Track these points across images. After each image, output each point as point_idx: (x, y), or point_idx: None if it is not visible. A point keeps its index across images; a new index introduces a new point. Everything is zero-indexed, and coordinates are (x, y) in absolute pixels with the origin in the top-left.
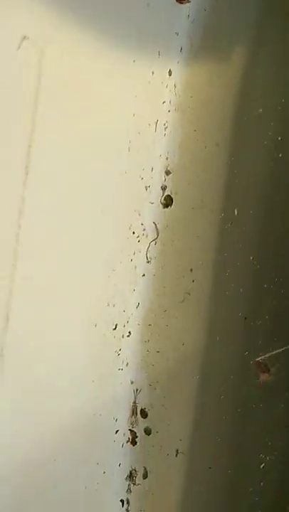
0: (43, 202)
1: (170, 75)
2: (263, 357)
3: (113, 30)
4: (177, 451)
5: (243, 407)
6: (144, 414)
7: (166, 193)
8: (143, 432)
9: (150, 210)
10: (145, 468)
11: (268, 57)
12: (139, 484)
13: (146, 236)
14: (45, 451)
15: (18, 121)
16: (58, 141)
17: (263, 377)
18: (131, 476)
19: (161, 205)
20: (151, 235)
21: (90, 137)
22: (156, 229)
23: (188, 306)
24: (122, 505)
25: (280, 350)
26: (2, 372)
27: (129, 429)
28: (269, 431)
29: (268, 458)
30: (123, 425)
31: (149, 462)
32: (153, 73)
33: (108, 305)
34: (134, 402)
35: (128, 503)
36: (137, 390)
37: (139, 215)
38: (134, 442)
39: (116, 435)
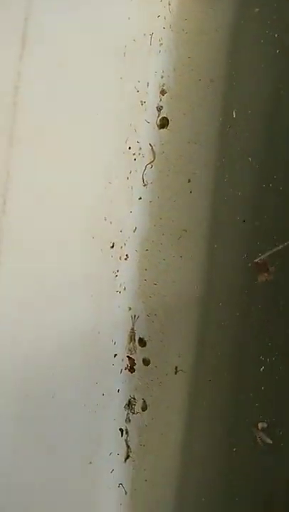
0: (39, 99)
1: None
2: (261, 257)
3: None
4: (176, 368)
5: (243, 312)
6: (142, 343)
7: (162, 115)
8: (141, 362)
9: (147, 130)
10: (144, 401)
11: None
12: (138, 413)
13: (143, 157)
14: (44, 363)
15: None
16: (55, 36)
17: (262, 277)
18: (130, 405)
19: (157, 127)
20: (148, 157)
21: (86, 34)
22: (153, 151)
23: (185, 244)
24: (122, 435)
25: (280, 247)
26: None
27: (128, 356)
28: (269, 332)
29: (268, 360)
30: (122, 351)
31: (148, 394)
32: None
33: (105, 219)
34: (132, 329)
35: (127, 433)
36: (135, 316)
37: (135, 131)
38: (132, 370)
39: (115, 359)
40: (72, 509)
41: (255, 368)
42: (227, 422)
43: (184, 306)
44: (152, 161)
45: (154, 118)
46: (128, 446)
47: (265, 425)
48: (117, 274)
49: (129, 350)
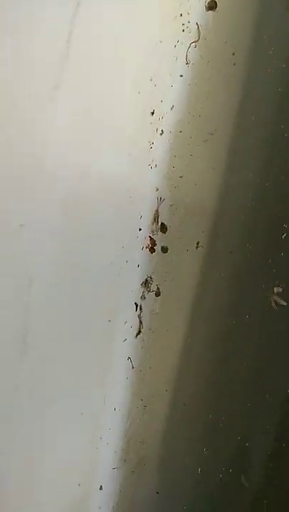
0: None
1: None
2: None
3: None
4: (198, 243)
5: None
6: (164, 228)
7: None
8: (160, 249)
9: (196, 7)
10: (158, 288)
11: None
12: (153, 291)
13: (190, 32)
14: (83, 205)
15: None
16: None
17: None
18: (146, 284)
19: (205, 8)
20: (194, 35)
21: None
22: (199, 31)
23: (210, 147)
24: (136, 309)
25: None
26: None
27: (150, 236)
28: None
29: None
30: (146, 228)
31: (162, 280)
32: None
33: (151, 80)
34: (157, 211)
35: (141, 309)
36: (160, 198)
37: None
38: (152, 250)
39: (139, 232)
40: (87, 364)
41: (277, 235)
42: (243, 290)
43: (200, 205)
44: (197, 41)
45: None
46: (141, 323)
47: (281, 289)
48: (152, 146)
49: (152, 231)
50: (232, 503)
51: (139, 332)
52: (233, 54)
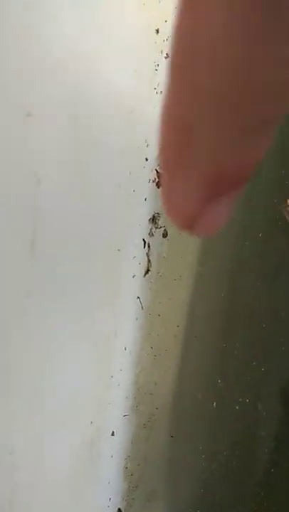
0: None
1: None
2: None
3: None
4: None
5: None
6: None
7: None
8: None
9: None
10: (165, 230)
11: None
12: (161, 227)
13: None
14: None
15: None
16: None
17: None
18: (154, 220)
19: None
20: None
21: None
22: None
23: None
24: (144, 246)
25: None
26: None
27: (156, 169)
28: None
29: None
30: (152, 159)
31: (168, 223)
32: None
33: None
34: None
35: (149, 247)
36: None
37: None
38: (158, 185)
39: (146, 162)
40: (97, 285)
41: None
42: (253, 212)
43: None
44: None
45: None
46: (149, 261)
47: None
48: (157, 68)
49: (158, 164)
50: (250, 434)
51: (147, 271)
52: None
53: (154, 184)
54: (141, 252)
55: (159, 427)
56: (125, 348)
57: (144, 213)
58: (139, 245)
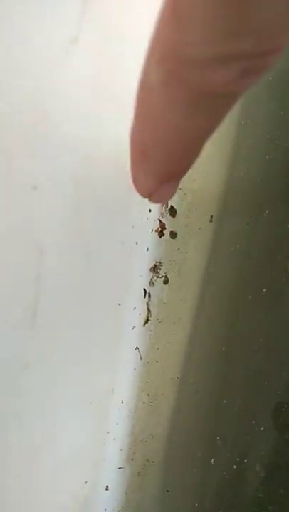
0: None
1: None
2: None
3: None
4: (211, 217)
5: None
6: (173, 211)
7: None
8: (168, 234)
9: None
10: (166, 277)
11: None
12: (162, 277)
13: None
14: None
15: None
16: None
17: None
18: (155, 269)
19: None
20: None
21: None
22: None
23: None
24: (144, 296)
25: None
26: None
27: (159, 219)
28: None
29: None
30: (155, 209)
31: (170, 270)
32: None
33: None
34: None
35: (150, 296)
36: None
37: None
38: (161, 234)
39: (149, 214)
40: (97, 347)
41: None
42: (256, 266)
43: (208, 192)
44: None
45: None
46: (149, 311)
47: None
48: None
49: (161, 214)
50: (245, 494)
51: (147, 320)
52: None
53: (157, 233)
54: (141, 302)
55: (154, 474)
56: (122, 402)
57: (146, 263)
58: (139, 296)
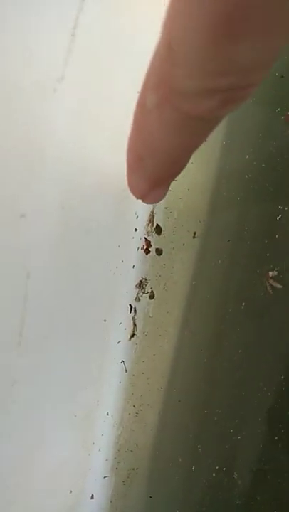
0: None
1: None
2: None
3: None
4: (195, 233)
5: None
6: (158, 229)
7: None
8: (154, 251)
9: None
10: (152, 291)
11: None
12: (147, 293)
13: None
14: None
15: None
16: None
17: None
18: (141, 285)
19: None
20: None
21: None
22: None
23: (203, 150)
24: (130, 311)
25: None
26: None
27: (145, 237)
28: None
29: (285, 208)
30: (141, 228)
31: (156, 284)
32: None
33: None
34: (152, 212)
35: (135, 311)
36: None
37: None
38: (147, 251)
39: (135, 233)
40: (83, 363)
41: (272, 217)
42: (237, 280)
43: (193, 209)
44: None
45: None
46: (135, 325)
47: (276, 273)
48: None
49: (147, 232)
50: (224, 501)
51: (132, 335)
52: None
53: (142, 251)
54: (127, 318)
55: (138, 482)
56: (107, 413)
57: (132, 280)
58: (125, 311)
